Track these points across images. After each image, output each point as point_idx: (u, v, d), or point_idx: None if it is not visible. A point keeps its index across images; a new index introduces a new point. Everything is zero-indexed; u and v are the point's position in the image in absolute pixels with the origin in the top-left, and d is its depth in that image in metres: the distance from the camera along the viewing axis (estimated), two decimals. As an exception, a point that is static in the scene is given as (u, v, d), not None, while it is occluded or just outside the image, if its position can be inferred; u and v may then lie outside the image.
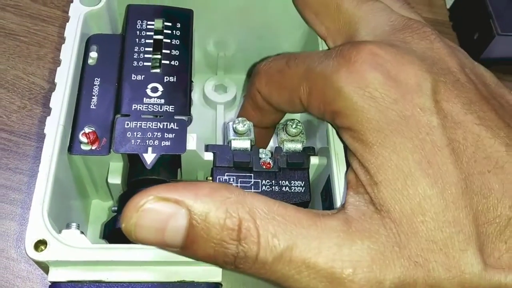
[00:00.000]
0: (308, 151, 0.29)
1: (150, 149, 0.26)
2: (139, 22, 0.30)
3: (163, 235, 0.20)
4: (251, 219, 0.20)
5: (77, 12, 0.29)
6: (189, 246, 0.20)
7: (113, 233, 0.26)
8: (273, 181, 0.28)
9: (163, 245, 0.20)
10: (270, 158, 0.28)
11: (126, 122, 0.27)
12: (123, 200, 0.28)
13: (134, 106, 0.27)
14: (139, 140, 0.26)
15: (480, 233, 0.20)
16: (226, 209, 0.20)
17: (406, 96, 0.21)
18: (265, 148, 0.30)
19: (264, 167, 0.28)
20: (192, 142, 0.27)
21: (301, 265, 0.20)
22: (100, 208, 0.32)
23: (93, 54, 0.29)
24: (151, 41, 0.29)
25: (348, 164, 0.24)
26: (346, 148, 0.24)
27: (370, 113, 0.21)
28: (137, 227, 0.20)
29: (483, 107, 0.22)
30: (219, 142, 0.35)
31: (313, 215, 0.21)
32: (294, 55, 0.26)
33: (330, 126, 0.27)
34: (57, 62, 0.27)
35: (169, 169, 0.29)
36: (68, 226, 0.24)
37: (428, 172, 0.20)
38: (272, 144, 0.32)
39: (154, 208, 0.20)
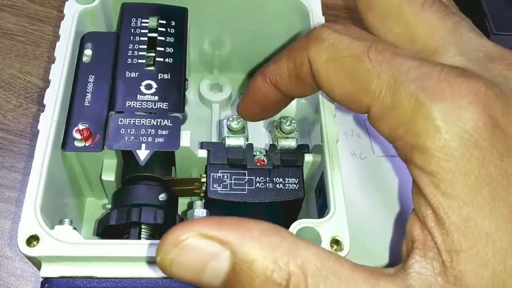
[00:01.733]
0: (302, 148, 0.29)
1: (143, 145, 0.26)
2: (133, 20, 0.30)
3: (201, 275, 0.18)
4: (302, 275, 0.18)
5: (72, 10, 0.30)
6: None
7: (106, 230, 0.26)
8: (267, 178, 0.28)
9: (199, 284, 0.19)
10: (264, 155, 0.28)
11: (120, 118, 0.27)
12: (116, 197, 0.28)
13: (128, 103, 0.27)
14: (132, 137, 0.26)
15: None
16: (275, 260, 0.18)
17: None
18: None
19: (258, 164, 0.28)
20: (186, 139, 0.27)
21: None
22: (94, 206, 0.32)
23: (88, 52, 0.29)
24: (146, 38, 0.29)
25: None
26: (414, 187, 0.20)
27: (470, 165, 0.18)
28: (174, 264, 0.18)
29: None
30: (214, 140, 0.35)
31: (369, 275, 0.18)
32: (377, 43, 0.21)
33: (324, 124, 0.27)
34: (53, 62, 0.27)
35: (163, 166, 0.29)
36: (61, 222, 0.24)
37: None
38: (266, 141, 0.32)
39: (196, 245, 0.18)
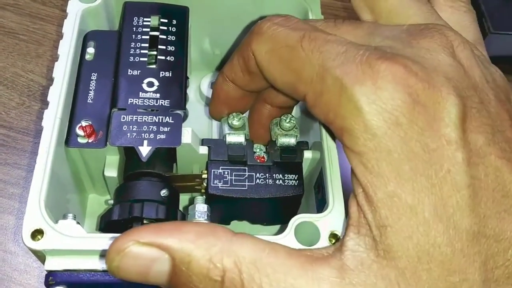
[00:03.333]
0: (302, 145, 0.29)
1: (145, 142, 0.26)
2: (135, 19, 0.31)
3: (146, 277, 0.20)
4: (236, 270, 0.19)
5: (75, 9, 0.30)
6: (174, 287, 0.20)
7: (108, 225, 0.27)
8: (267, 175, 0.28)
9: (148, 284, 0.20)
10: (264, 152, 0.29)
11: (122, 115, 0.27)
12: (119, 193, 0.28)
13: (130, 100, 0.28)
14: (135, 133, 0.27)
15: (487, 279, 0.19)
16: (210, 258, 0.19)
17: (433, 125, 0.19)
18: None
19: (258, 161, 0.28)
20: (187, 136, 0.27)
21: None
22: (97, 202, 0.33)
23: (90, 50, 0.29)
24: (147, 37, 0.30)
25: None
26: (351, 172, 0.20)
27: (392, 143, 0.19)
28: (119, 270, 0.20)
29: (506, 135, 0.20)
30: (215, 137, 0.35)
31: (305, 261, 0.19)
32: (309, 33, 0.22)
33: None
34: (55, 60, 0.28)
35: (164, 162, 0.29)
36: (64, 217, 0.25)
37: (442, 217, 0.18)
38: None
39: (136, 253, 0.19)
